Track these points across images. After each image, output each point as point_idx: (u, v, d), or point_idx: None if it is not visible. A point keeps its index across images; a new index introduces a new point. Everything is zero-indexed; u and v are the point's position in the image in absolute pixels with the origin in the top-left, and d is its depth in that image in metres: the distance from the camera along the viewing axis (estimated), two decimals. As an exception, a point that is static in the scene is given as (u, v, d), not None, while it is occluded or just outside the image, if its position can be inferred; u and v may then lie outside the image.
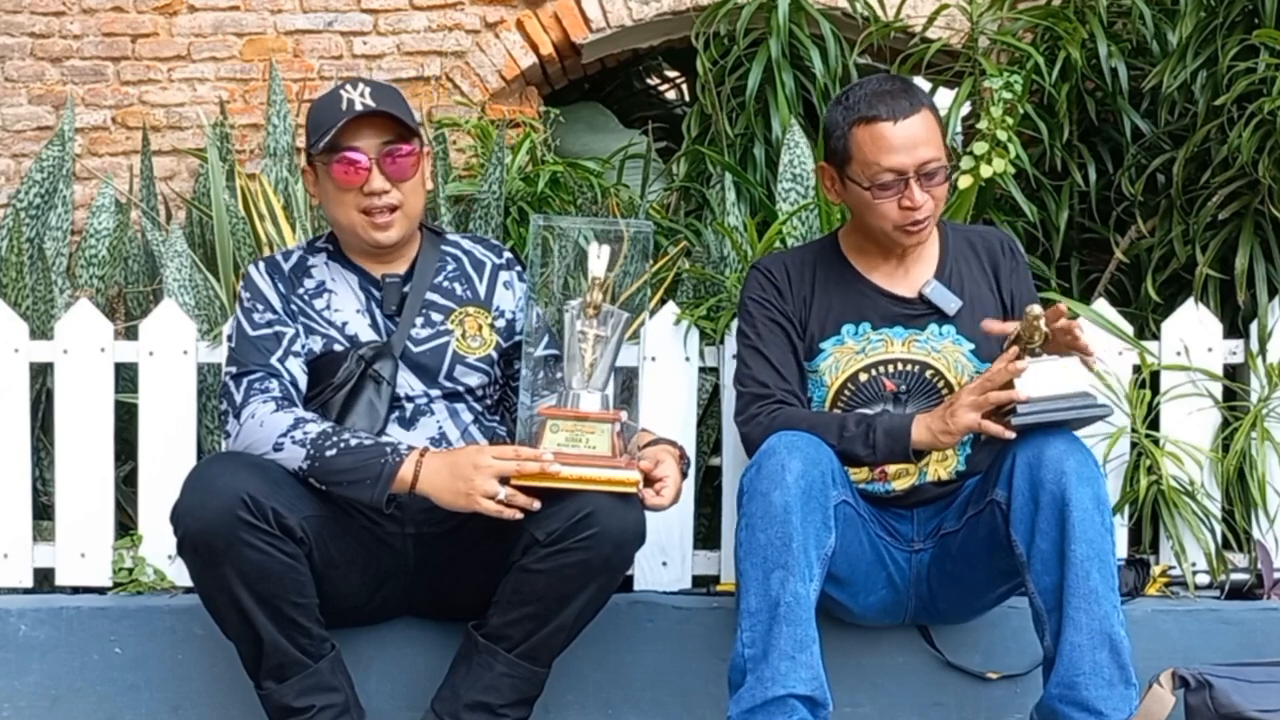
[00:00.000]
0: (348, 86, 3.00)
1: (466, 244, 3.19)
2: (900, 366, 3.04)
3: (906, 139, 2.94)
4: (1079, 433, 3.04)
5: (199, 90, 4.50)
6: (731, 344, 3.41)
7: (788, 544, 2.75)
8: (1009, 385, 2.83)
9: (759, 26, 4.02)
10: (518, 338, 3.11)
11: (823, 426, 2.91)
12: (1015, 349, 2.84)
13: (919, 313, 3.07)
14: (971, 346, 3.05)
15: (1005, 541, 2.84)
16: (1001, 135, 3.62)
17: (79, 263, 4.04)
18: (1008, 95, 3.66)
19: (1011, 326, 2.88)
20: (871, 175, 2.96)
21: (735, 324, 3.25)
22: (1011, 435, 2.81)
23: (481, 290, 3.13)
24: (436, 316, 3.08)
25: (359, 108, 2.96)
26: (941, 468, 3.05)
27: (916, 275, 3.09)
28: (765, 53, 3.96)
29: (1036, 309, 2.80)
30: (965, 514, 2.97)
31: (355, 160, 2.97)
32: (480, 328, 3.10)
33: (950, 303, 3.06)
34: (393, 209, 3.00)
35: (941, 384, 3.03)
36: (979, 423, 2.82)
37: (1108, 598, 2.74)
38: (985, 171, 3.61)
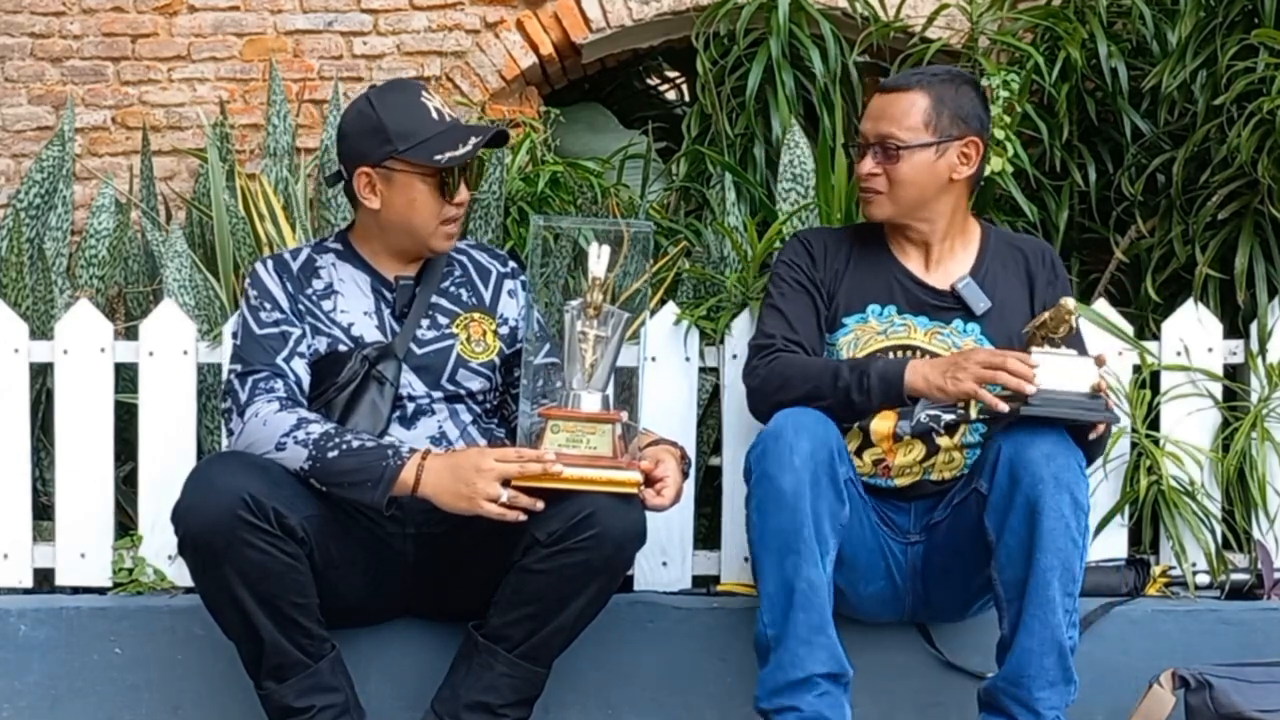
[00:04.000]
0: (424, 93, 3.02)
1: (474, 251, 3.21)
2: (918, 355, 3.02)
3: (878, 108, 3.06)
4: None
5: (199, 90, 4.49)
6: (731, 344, 3.42)
7: (798, 530, 2.78)
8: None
9: (759, 26, 4.01)
10: (519, 345, 3.11)
11: (816, 373, 2.93)
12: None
13: (947, 305, 3.09)
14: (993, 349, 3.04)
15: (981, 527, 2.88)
16: (999, 133, 3.62)
17: (79, 263, 4.03)
18: (1005, 94, 3.66)
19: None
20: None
21: (738, 320, 3.33)
22: (1005, 408, 2.81)
23: (487, 297, 3.14)
24: (442, 320, 3.08)
25: (449, 119, 2.99)
26: (948, 470, 3.05)
27: (951, 270, 3.11)
28: (765, 53, 3.96)
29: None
30: (952, 502, 3.00)
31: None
32: (485, 333, 3.10)
33: (980, 302, 3.08)
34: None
35: None
36: (977, 391, 2.82)
37: (1064, 604, 2.81)
38: (982, 170, 3.61)
